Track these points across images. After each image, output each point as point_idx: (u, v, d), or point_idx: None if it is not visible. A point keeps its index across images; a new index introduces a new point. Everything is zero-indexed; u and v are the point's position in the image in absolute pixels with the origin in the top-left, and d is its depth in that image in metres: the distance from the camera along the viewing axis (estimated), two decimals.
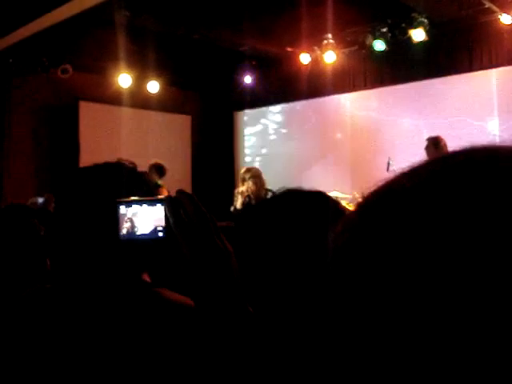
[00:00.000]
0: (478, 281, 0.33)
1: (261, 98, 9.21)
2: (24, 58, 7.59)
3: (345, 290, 0.39)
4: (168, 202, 0.88)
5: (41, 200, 6.13)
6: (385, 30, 7.49)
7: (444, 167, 0.40)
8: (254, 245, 0.95)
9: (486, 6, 6.73)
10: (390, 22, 7.43)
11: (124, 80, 8.36)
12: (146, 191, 1.10)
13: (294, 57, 8.46)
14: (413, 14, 7.11)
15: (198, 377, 0.97)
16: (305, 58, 8.34)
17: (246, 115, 9.78)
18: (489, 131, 7.12)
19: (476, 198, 0.35)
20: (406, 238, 0.36)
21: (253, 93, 9.25)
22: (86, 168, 1.23)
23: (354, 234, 0.41)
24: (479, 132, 7.14)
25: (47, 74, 7.85)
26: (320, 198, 0.99)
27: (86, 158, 7.60)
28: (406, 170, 0.42)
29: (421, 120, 7.75)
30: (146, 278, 1.19)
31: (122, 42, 7.03)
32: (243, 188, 5.98)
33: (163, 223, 0.90)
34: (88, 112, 8.39)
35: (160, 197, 0.92)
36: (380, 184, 0.42)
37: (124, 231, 0.92)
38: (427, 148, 5.69)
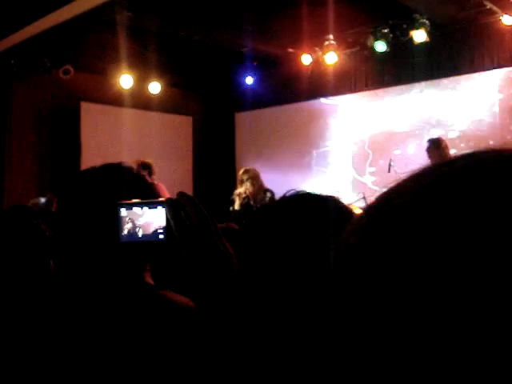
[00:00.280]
0: (491, 284, 0.33)
1: (262, 99, 9.20)
2: (25, 58, 7.59)
3: (351, 292, 0.39)
4: (169, 205, 0.88)
5: (43, 200, 6.14)
6: (386, 31, 7.48)
7: (453, 170, 0.40)
8: (261, 247, 0.93)
9: (488, 7, 6.72)
10: (391, 23, 7.42)
11: (125, 81, 8.36)
12: (147, 193, 1.10)
13: (295, 58, 8.45)
14: (414, 15, 7.10)
15: (199, 378, 0.97)
16: (306, 59, 8.33)
17: (248, 116, 9.78)
18: (490, 132, 7.11)
19: (488, 202, 0.35)
20: (415, 242, 0.36)
21: (254, 94, 9.24)
22: (87, 170, 1.23)
23: (362, 237, 0.40)
24: (479, 133, 7.14)
25: (49, 75, 7.85)
26: (331, 202, 0.97)
27: (88, 159, 7.61)
28: (414, 172, 0.42)
29: (421, 121, 7.75)
30: (149, 279, 1.19)
31: (123, 42, 7.03)
32: (241, 189, 5.98)
33: (164, 225, 0.90)
34: (89, 113, 8.39)
35: (161, 199, 0.93)
36: (390, 186, 0.42)
37: (125, 233, 0.93)
38: (428, 149, 5.69)
